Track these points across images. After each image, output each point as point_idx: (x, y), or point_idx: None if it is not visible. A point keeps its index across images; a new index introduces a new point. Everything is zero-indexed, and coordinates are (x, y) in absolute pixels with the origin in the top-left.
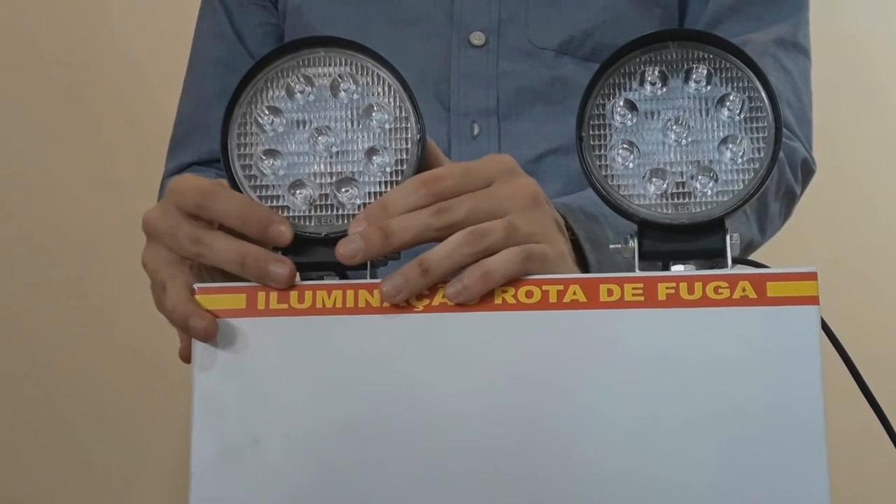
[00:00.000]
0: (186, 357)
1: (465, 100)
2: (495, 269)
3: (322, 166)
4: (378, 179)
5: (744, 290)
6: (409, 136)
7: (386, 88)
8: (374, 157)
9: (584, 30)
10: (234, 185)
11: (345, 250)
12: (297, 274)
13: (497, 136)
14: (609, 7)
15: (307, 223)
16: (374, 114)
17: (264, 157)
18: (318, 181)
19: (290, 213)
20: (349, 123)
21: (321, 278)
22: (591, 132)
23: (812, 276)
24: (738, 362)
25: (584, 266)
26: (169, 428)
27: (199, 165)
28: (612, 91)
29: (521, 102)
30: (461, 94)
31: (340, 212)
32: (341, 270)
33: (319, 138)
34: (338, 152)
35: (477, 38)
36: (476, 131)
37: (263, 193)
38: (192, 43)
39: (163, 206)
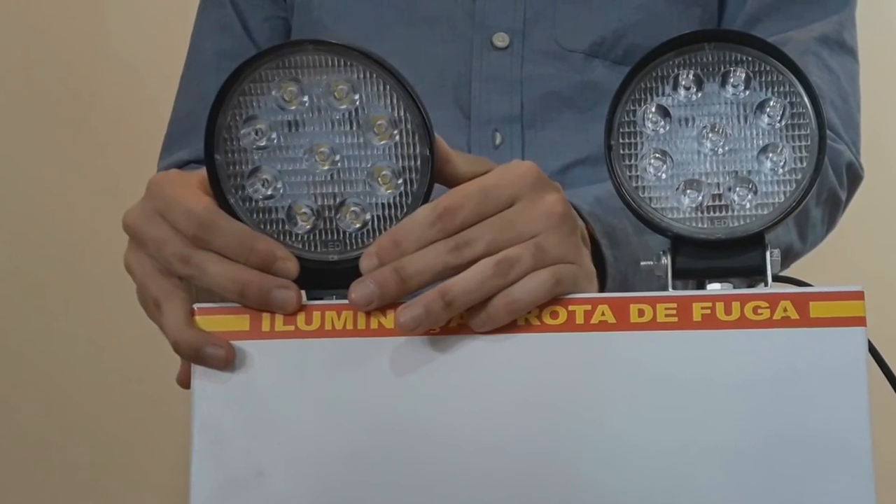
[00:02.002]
0: (186, 383)
1: (487, 106)
2: (522, 298)
3: (324, 188)
4: (383, 202)
5: (785, 310)
6: (418, 151)
7: (391, 99)
8: (381, 177)
9: (617, 30)
10: (225, 206)
11: (358, 297)
12: (304, 293)
13: (521, 146)
14: (644, 6)
15: (310, 248)
16: (379, 128)
17: (257, 178)
18: (319, 203)
19: (291, 240)
20: (353, 139)
21: (330, 297)
22: (620, 140)
23: (858, 296)
24: (779, 388)
25: (599, 263)
26: (167, 459)
27: (196, 164)
28: (643, 96)
29: (546, 109)
30: (482, 100)
31: (345, 234)
32: None
33: (316, 157)
34: (340, 170)
35: (500, 39)
36: (498, 140)
37: (261, 217)
38: (191, 38)
39: (144, 208)
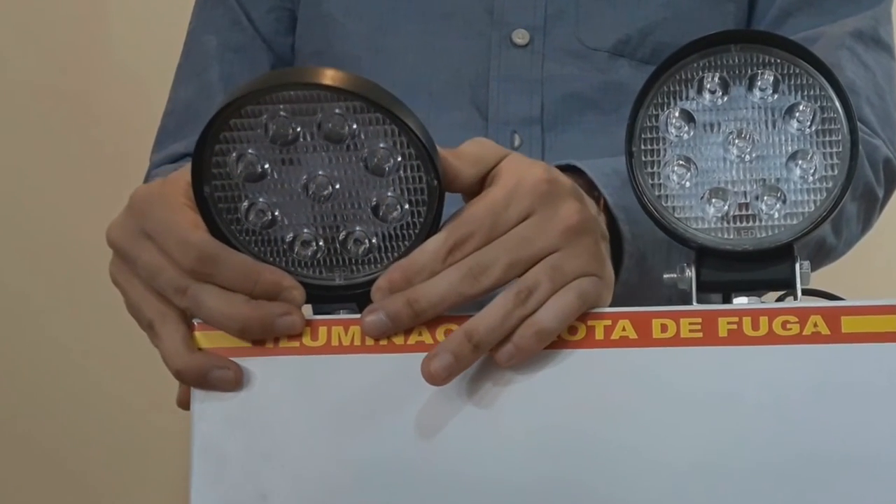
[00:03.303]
0: (186, 403)
1: (506, 107)
2: (549, 326)
3: (324, 219)
4: (388, 232)
5: (815, 325)
6: (423, 183)
7: (390, 133)
8: (385, 207)
9: (643, 28)
10: (218, 235)
11: (370, 329)
12: (310, 307)
13: (541, 149)
14: (671, 2)
15: (315, 273)
16: (379, 160)
17: (253, 209)
18: (320, 232)
19: (293, 265)
20: (353, 172)
21: (337, 312)
22: (642, 147)
23: (892, 310)
24: (809, 407)
25: (615, 238)
26: (165, 481)
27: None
28: (666, 100)
29: (568, 110)
30: (501, 101)
31: (351, 259)
32: (362, 303)
33: (313, 189)
34: (340, 201)
35: (520, 36)
36: (517, 143)
37: (262, 248)
38: (189, 31)
39: (129, 225)
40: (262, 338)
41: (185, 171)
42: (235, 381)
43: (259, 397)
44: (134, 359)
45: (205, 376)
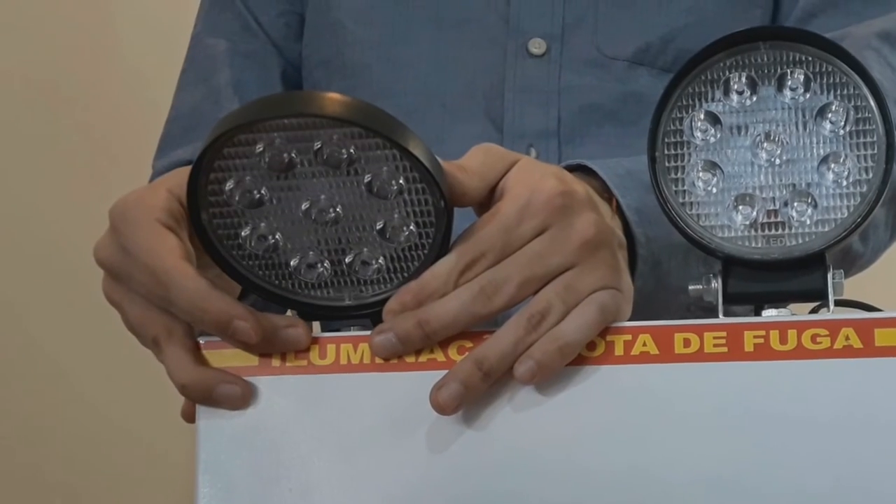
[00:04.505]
0: (190, 416)
1: (521, 119)
2: (573, 339)
3: (328, 244)
4: (396, 253)
5: (847, 338)
6: (430, 205)
7: (392, 159)
8: (391, 230)
9: (664, 35)
10: (219, 260)
11: (379, 350)
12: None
13: (557, 163)
14: (694, 8)
15: (323, 293)
16: (384, 183)
17: (253, 234)
18: (326, 256)
19: (300, 287)
20: (356, 197)
21: (347, 329)
22: (665, 152)
23: None
24: (841, 425)
25: (628, 242)
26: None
27: None
28: (690, 102)
29: (586, 122)
30: (516, 113)
31: (359, 280)
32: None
33: (315, 213)
34: (344, 226)
35: (536, 45)
36: (533, 156)
37: (265, 273)
38: (194, 36)
39: (112, 243)
40: (263, 351)
41: (166, 178)
42: (243, 398)
43: (266, 417)
44: (140, 380)
45: (211, 391)
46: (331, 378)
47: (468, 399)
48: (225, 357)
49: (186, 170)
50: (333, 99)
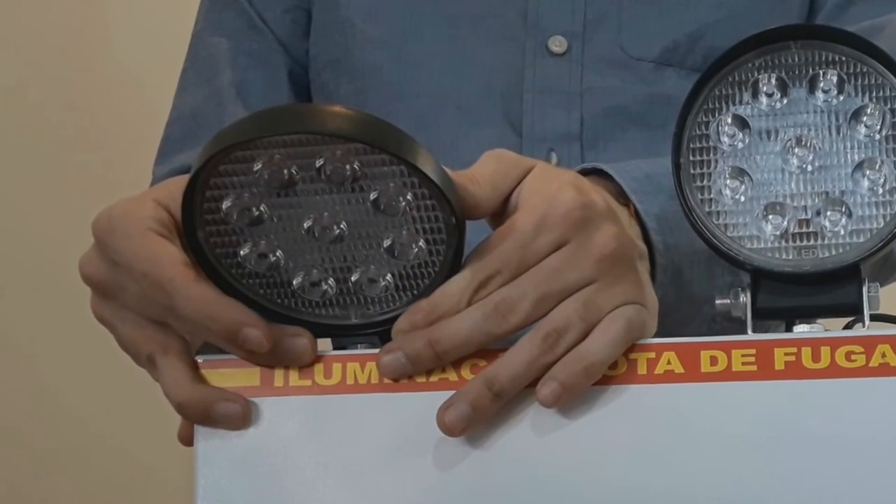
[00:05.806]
0: (188, 439)
1: (542, 122)
2: (599, 358)
3: (333, 261)
4: (405, 271)
5: (883, 355)
6: (441, 221)
7: (398, 175)
8: (399, 247)
9: (692, 33)
10: (216, 278)
11: (387, 370)
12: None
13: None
14: (724, 3)
15: (329, 311)
16: (392, 198)
17: (253, 252)
18: (331, 274)
19: (305, 305)
20: (361, 214)
21: (354, 346)
22: (691, 158)
23: None
24: (876, 447)
25: (649, 249)
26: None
27: None
28: (717, 105)
29: (610, 126)
30: (536, 115)
31: (366, 298)
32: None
33: (318, 230)
34: (349, 243)
35: (557, 43)
36: (554, 161)
37: (267, 291)
38: (195, 35)
39: (100, 259)
40: (267, 363)
41: (152, 190)
42: (243, 416)
43: (268, 440)
44: (139, 402)
45: (209, 409)
46: (336, 399)
47: (477, 421)
48: (224, 376)
49: (175, 180)
50: (336, 113)
